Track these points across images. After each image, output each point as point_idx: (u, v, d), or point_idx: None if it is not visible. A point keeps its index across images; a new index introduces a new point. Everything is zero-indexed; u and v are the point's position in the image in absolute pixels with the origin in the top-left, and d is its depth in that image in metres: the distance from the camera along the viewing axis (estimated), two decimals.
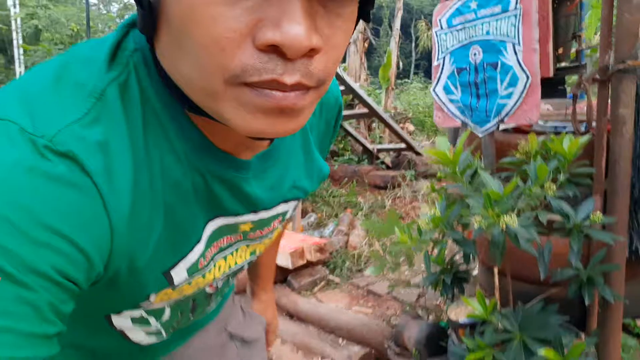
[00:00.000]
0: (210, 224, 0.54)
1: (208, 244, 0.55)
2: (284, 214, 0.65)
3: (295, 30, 0.35)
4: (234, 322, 0.87)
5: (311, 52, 0.37)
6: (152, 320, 0.62)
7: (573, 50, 2.79)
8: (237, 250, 0.62)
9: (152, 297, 0.55)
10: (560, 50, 2.74)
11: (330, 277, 3.29)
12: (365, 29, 7.56)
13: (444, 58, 2.10)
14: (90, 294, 0.46)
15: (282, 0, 0.35)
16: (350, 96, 6.06)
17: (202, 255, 0.55)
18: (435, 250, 1.80)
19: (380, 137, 6.65)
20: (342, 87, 5.14)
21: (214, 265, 0.59)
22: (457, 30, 2.01)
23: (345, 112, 5.90)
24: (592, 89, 1.79)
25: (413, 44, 26.81)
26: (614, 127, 1.67)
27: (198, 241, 0.53)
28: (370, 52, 10.22)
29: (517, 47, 1.75)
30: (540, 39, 2.40)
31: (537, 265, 1.61)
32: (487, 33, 1.86)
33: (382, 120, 5.31)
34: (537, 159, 1.42)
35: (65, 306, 0.40)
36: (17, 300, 0.35)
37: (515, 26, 1.75)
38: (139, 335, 0.64)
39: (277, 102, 0.38)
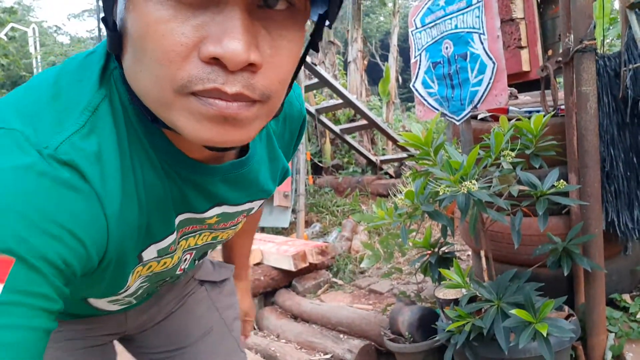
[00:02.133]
0: (179, 217, 0.60)
1: (177, 233, 0.62)
2: (249, 210, 0.72)
3: (234, 45, 0.39)
4: (202, 272, 0.97)
5: (252, 67, 0.42)
6: (125, 297, 0.71)
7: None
8: (200, 234, 0.68)
9: (129, 278, 0.61)
10: (550, 52, 2.85)
11: (334, 279, 3.36)
12: (364, 48, 7.79)
13: (420, 55, 2.22)
14: (79, 284, 0.51)
15: (225, 20, 0.40)
16: (353, 111, 6.21)
17: (174, 242, 0.62)
18: (421, 235, 1.89)
19: (384, 149, 6.76)
20: (341, 101, 5.30)
21: (179, 247, 0.66)
22: (430, 28, 2.14)
23: (346, 126, 6.05)
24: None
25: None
26: (579, 104, 1.77)
27: (171, 233, 0.60)
28: (378, 71, 10.46)
29: (482, 37, 1.87)
30: (529, 41, 2.53)
31: (522, 247, 1.69)
32: (456, 27, 1.99)
33: (379, 128, 5.43)
34: (500, 133, 1.52)
35: (65, 289, 0.45)
36: (28, 281, 0.41)
37: (479, 17, 1.88)
38: (113, 307, 0.75)
39: (221, 110, 0.42)
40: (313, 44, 0.51)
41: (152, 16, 0.40)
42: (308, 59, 4.37)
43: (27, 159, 0.42)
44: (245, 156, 0.60)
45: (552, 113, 1.70)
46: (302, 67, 0.57)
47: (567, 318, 1.72)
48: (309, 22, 0.48)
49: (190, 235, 0.67)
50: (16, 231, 0.40)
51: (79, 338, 0.81)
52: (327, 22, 0.48)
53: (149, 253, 0.60)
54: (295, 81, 0.55)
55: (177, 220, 0.60)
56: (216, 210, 0.64)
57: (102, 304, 0.72)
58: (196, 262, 0.80)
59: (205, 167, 0.57)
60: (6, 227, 0.40)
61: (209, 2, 0.40)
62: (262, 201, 0.74)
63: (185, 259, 0.73)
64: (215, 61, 0.40)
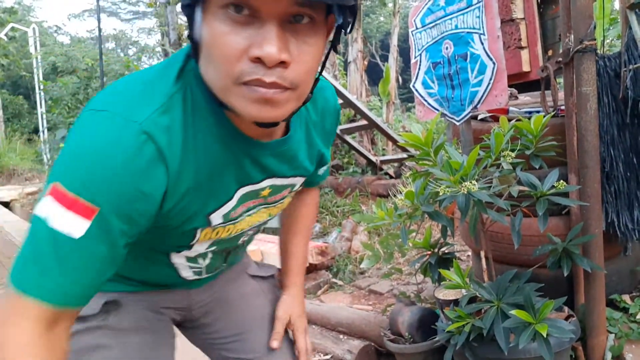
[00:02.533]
0: (240, 190, 0.77)
1: (238, 203, 0.79)
2: (292, 185, 0.88)
3: (270, 49, 0.57)
4: (250, 268, 1.12)
5: (283, 64, 0.59)
6: (200, 260, 0.88)
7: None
8: (258, 211, 0.86)
9: (198, 234, 0.78)
10: (550, 52, 2.85)
11: (333, 280, 3.36)
12: (364, 49, 7.79)
13: (421, 55, 2.22)
14: (158, 233, 0.72)
15: (264, 32, 0.57)
16: (353, 111, 6.22)
17: (234, 209, 0.79)
18: (421, 236, 1.89)
19: (384, 149, 6.76)
20: (341, 101, 5.30)
21: (242, 220, 0.84)
22: (430, 28, 2.14)
23: (346, 126, 6.04)
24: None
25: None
26: (579, 105, 1.77)
27: (230, 199, 0.76)
28: (379, 72, 10.48)
29: (482, 37, 1.87)
30: (529, 42, 2.52)
31: (522, 248, 1.68)
32: (456, 27, 1.99)
33: (379, 129, 5.43)
34: (500, 134, 1.52)
35: (127, 246, 0.66)
36: (106, 223, 0.61)
37: (479, 18, 1.88)
38: (187, 273, 0.90)
39: (262, 95, 0.60)
40: (334, 47, 0.69)
41: (217, 30, 0.58)
42: None
43: (121, 133, 0.61)
44: (287, 135, 0.78)
45: (552, 113, 1.70)
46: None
47: (567, 319, 1.72)
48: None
49: (252, 211, 0.84)
50: (102, 189, 0.60)
51: (151, 309, 0.95)
52: (343, 31, 0.65)
53: (216, 218, 0.77)
54: (323, 77, 0.79)
55: (239, 193, 0.77)
56: (268, 182, 0.80)
57: (181, 263, 0.86)
58: (253, 236, 0.97)
59: (258, 143, 0.74)
60: (95, 185, 0.60)
61: (254, 20, 0.58)
62: (302, 179, 0.89)
63: (247, 234, 0.92)
64: (258, 60, 0.58)
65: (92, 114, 0.63)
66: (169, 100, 0.65)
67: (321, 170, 1.03)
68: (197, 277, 0.95)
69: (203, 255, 0.88)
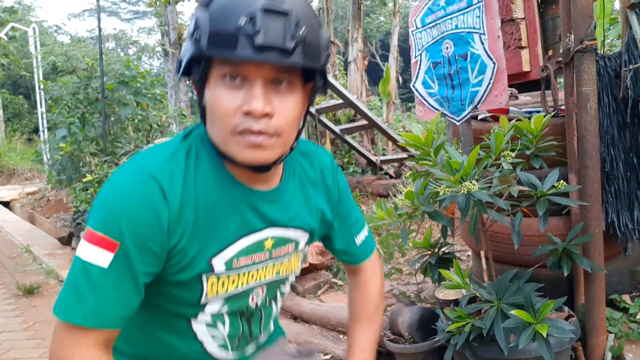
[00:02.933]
0: (243, 240, 0.84)
1: (241, 253, 0.85)
2: (296, 242, 0.93)
3: (256, 104, 0.72)
4: (289, 349, 1.06)
5: (268, 116, 0.74)
6: (219, 325, 0.90)
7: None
8: (265, 267, 0.90)
9: (205, 282, 0.83)
10: (550, 52, 2.85)
11: (334, 280, 3.36)
12: (364, 48, 7.78)
13: (421, 55, 2.22)
14: (169, 285, 0.81)
15: (252, 91, 0.73)
16: (353, 111, 6.21)
17: (236, 256, 0.84)
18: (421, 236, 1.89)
19: (384, 149, 6.76)
20: (341, 101, 5.30)
21: (248, 272, 0.87)
22: (430, 28, 2.14)
23: (346, 126, 6.04)
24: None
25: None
26: (579, 105, 1.77)
27: (231, 244, 0.83)
28: (379, 71, 10.49)
29: (482, 37, 1.87)
30: (529, 42, 2.52)
31: (522, 248, 1.69)
32: (456, 27, 1.99)
33: (379, 128, 5.43)
34: (500, 134, 1.52)
35: (147, 276, 0.77)
36: (126, 256, 0.74)
37: (479, 17, 1.87)
38: (212, 346, 0.91)
39: (252, 141, 0.74)
40: (311, 101, 0.84)
41: (218, 95, 0.75)
42: None
43: (136, 179, 0.76)
44: (279, 184, 0.88)
45: (553, 113, 1.70)
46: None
47: (567, 319, 1.72)
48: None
49: (258, 265, 0.88)
50: (121, 226, 0.74)
51: None
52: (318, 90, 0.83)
53: (218, 263, 0.82)
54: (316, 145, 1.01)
55: (242, 242, 0.84)
56: (269, 232, 0.87)
57: (202, 331, 0.89)
58: (272, 304, 0.97)
59: (254, 190, 0.84)
60: (115, 223, 0.74)
61: (244, 84, 0.74)
62: (305, 234, 0.94)
63: (258, 294, 0.92)
64: (249, 114, 0.73)
65: (118, 169, 0.82)
66: (173, 153, 0.81)
67: (358, 240, 1.04)
68: (224, 354, 0.93)
69: (220, 318, 0.90)
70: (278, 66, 0.73)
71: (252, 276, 0.88)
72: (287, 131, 0.77)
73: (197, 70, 0.76)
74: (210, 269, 0.82)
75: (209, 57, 0.73)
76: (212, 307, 0.87)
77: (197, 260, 0.81)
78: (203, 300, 0.85)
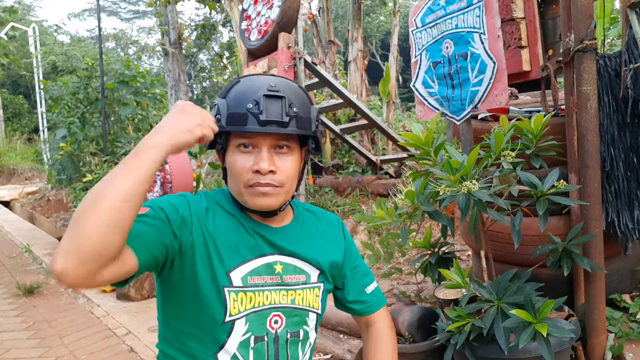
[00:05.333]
0: (255, 260, 1.00)
1: (255, 272, 1.00)
2: (306, 273, 1.05)
3: (263, 165, 0.95)
4: None
5: (272, 172, 0.96)
6: (236, 339, 0.97)
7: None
8: (278, 291, 1.02)
9: (227, 297, 0.96)
10: (551, 52, 2.84)
11: None
12: (364, 48, 7.78)
13: (421, 54, 2.22)
14: (196, 297, 0.97)
15: (260, 155, 0.96)
16: (353, 111, 6.21)
17: (250, 274, 0.99)
18: (421, 235, 1.88)
19: (384, 149, 6.75)
20: (341, 101, 5.30)
21: (262, 292, 1.00)
22: (430, 27, 2.14)
23: (346, 125, 6.04)
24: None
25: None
26: (579, 104, 1.76)
27: (245, 261, 0.99)
28: (379, 71, 10.48)
29: (482, 37, 1.87)
30: (529, 41, 2.52)
31: (522, 248, 1.68)
32: (456, 26, 1.99)
33: (379, 128, 5.43)
34: (500, 133, 1.51)
35: (172, 237, 0.94)
36: (156, 213, 0.93)
37: (480, 17, 1.87)
38: None
39: (261, 191, 0.96)
40: (306, 159, 1.08)
41: (234, 158, 0.98)
42: (308, 58, 4.36)
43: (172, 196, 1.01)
44: (287, 225, 1.07)
45: (553, 113, 1.70)
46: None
47: (567, 318, 1.72)
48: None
49: (271, 287, 1.01)
50: (156, 201, 0.96)
51: None
52: (311, 150, 1.06)
53: (236, 277, 0.98)
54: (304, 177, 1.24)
55: (254, 262, 1.00)
56: (277, 257, 1.03)
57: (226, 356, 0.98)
58: (296, 341, 1.03)
59: (264, 224, 1.04)
60: (153, 202, 0.96)
61: (254, 149, 0.97)
62: (317, 272, 1.06)
63: (277, 320, 1.02)
64: (258, 172, 0.95)
65: None
66: (200, 195, 1.06)
67: (369, 289, 1.16)
68: None
69: (245, 350, 0.98)
70: (278, 135, 0.96)
71: (267, 297, 1.01)
72: (288, 183, 0.99)
73: (219, 142, 1.00)
74: (229, 282, 0.97)
75: (228, 131, 0.98)
76: (238, 328, 0.98)
77: (218, 272, 0.97)
78: (227, 318, 0.97)
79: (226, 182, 1.05)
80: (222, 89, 1.03)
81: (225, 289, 0.97)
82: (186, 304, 0.98)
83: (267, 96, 0.95)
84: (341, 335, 2.67)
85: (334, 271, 1.10)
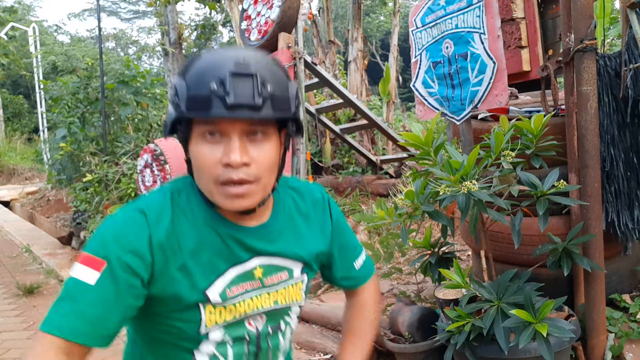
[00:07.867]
0: (231, 270, 0.89)
1: (232, 283, 0.89)
2: (288, 269, 0.96)
3: (234, 156, 0.79)
4: None
5: (246, 165, 0.81)
6: (212, 346, 0.90)
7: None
8: (260, 295, 0.93)
9: (202, 311, 0.87)
10: (551, 52, 2.84)
11: None
12: (364, 48, 7.78)
13: (421, 54, 2.22)
14: (168, 310, 0.86)
15: (230, 144, 0.80)
16: (353, 111, 6.21)
17: (228, 286, 0.88)
18: (421, 235, 1.88)
19: (384, 149, 6.75)
20: (341, 101, 5.30)
21: (243, 301, 0.91)
22: (430, 27, 2.14)
23: (346, 125, 6.04)
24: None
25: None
26: (579, 104, 1.77)
27: (221, 275, 0.88)
28: (379, 71, 10.49)
29: (482, 37, 1.87)
30: (529, 41, 2.52)
31: (522, 248, 1.68)
32: (456, 26, 1.99)
33: (379, 128, 5.43)
34: (500, 133, 1.51)
35: (134, 298, 0.82)
36: (112, 275, 0.80)
37: (479, 17, 1.87)
38: None
39: (234, 192, 0.82)
40: (287, 145, 0.91)
41: (199, 150, 0.83)
42: (308, 58, 4.36)
43: (129, 214, 0.85)
44: (266, 221, 0.94)
45: (553, 113, 1.70)
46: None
47: (567, 318, 1.72)
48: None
49: (251, 293, 0.92)
50: (108, 247, 0.81)
51: None
52: (289, 135, 0.89)
53: (213, 294, 0.87)
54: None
55: (231, 272, 0.89)
56: (256, 261, 0.91)
57: None
58: (277, 334, 0.97)
59: (241, 226, 0.91)
60: (104, 245, 0.81)
61: (223, 138, 0.81)
62: (300, 265, 0.97)
63: (256, 319, 0.94)
64: (228, 165, 0.81)
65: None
66: (164, 196, 0.90)
67: (357, 264, 1.07)
68: None
69: (223, 350, 0.91)
70: (251, 120, 0.81)
71: (249, 305, 0.92)
72: (265, 176, 0.85)
73: (180, 130, 0.85)
74: (206, 299, 0.87)
75: (189, 118, 0.82)
76: (214, 336, 0.90)
77: (193, 292, 0.86)
78: (203, 330, 0.88)
79: (192, 176, 0.88)
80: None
81: (201, 305, 0.87)
82: (159, 320, 0.88)
83: (234, 74, 0.78)
84: (341, 335, 2.66)
85: (320, 258, 1.02)
